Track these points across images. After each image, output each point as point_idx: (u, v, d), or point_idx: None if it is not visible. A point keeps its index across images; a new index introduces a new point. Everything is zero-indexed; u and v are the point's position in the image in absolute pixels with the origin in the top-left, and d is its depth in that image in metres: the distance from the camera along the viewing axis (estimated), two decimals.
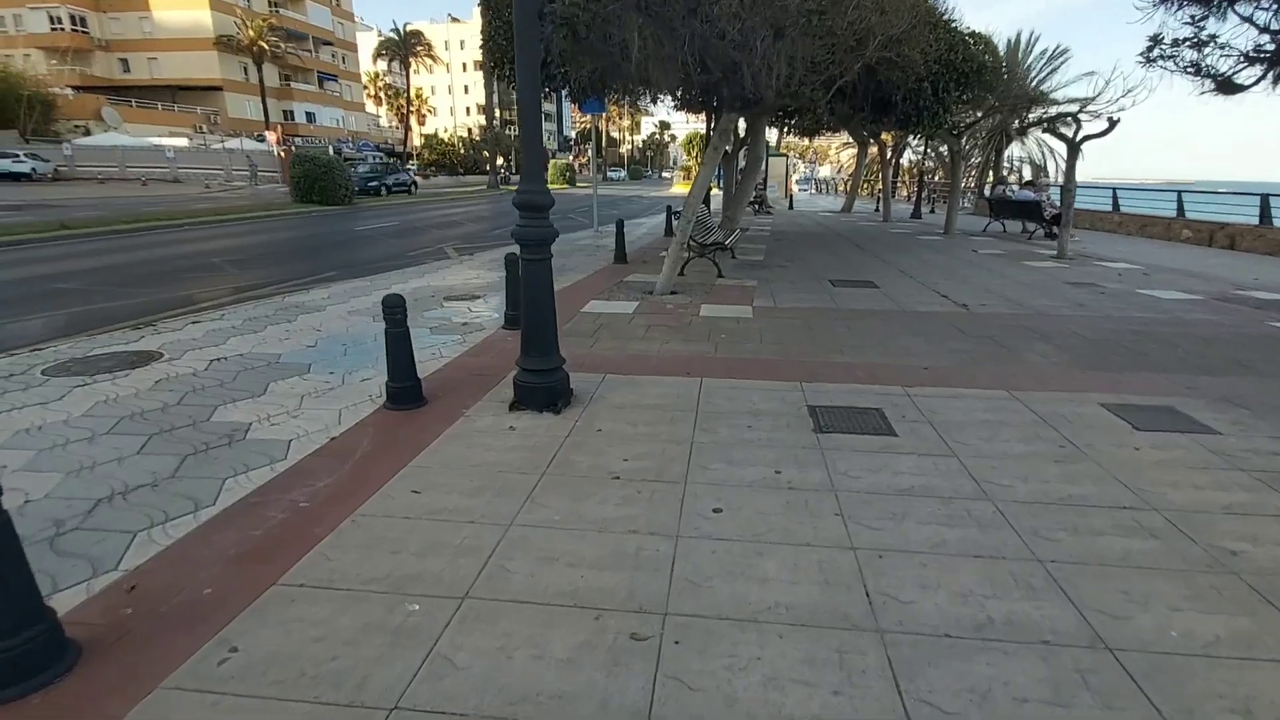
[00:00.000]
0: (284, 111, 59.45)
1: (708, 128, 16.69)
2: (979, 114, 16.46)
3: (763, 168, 26.24)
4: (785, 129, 24.78)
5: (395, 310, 4.17)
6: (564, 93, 13.30)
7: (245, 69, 55.93)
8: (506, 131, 72.52)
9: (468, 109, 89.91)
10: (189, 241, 13.98)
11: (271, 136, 39.92)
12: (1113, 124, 11.32)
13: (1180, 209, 17.21)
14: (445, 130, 74.55)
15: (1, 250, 11.96)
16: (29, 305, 7.67)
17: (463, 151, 58.40)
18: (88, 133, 44.19)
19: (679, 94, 9.63)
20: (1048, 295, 8.73)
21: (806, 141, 65.75)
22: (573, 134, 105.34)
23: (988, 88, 13.51)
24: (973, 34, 13.23)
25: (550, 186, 4.08)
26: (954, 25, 12.87)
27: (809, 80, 7.03)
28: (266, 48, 54.55)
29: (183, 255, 12.01)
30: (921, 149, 25.57)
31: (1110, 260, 12.43)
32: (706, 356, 5.63)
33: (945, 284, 9.51)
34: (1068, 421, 4.21)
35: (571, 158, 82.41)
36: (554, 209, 4.06)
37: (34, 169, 34.68)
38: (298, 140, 56.80)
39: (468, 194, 37.08)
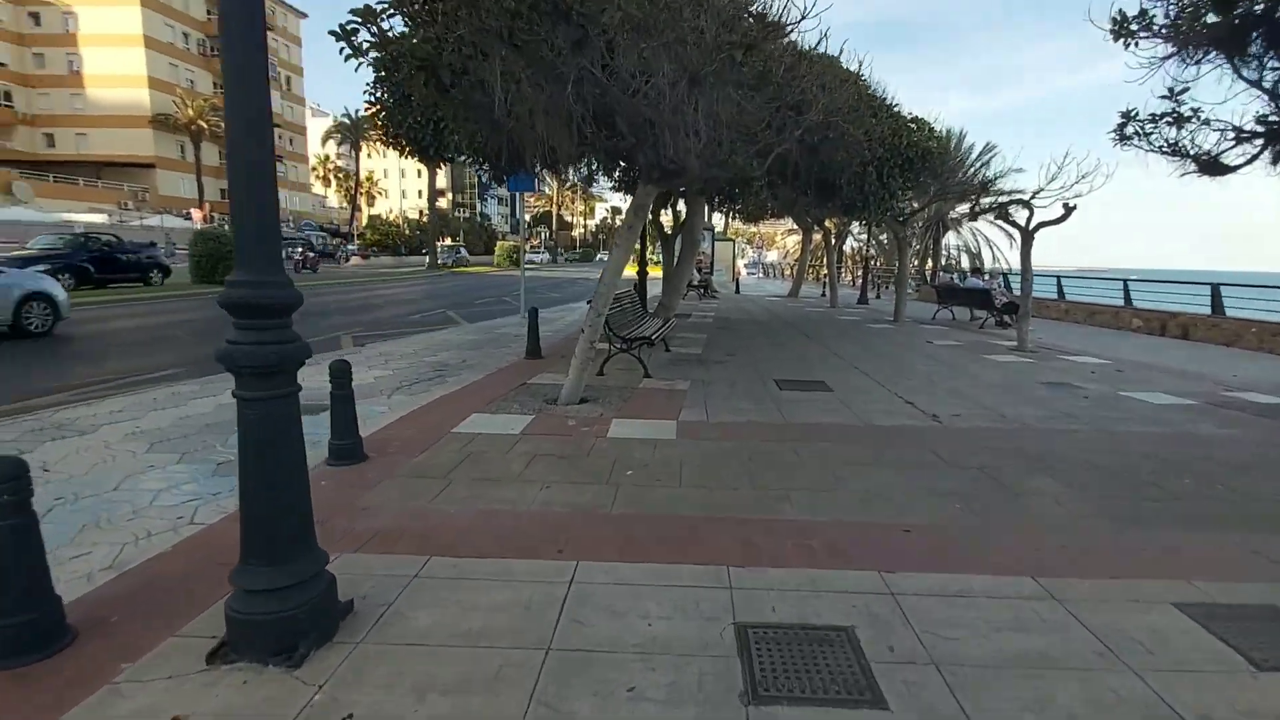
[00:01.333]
0: (221, 189, 57.66)
1: (656, 213, 15.71)
2: (917, 204, 15.94)
3: (706, 250, 25.58)
4: (730, 214, 24.32)
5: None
6: (470, 163, 12.08)
7: (182, 147, 54.53)
8: (456, 213, 72.38)
9: (420, 191, 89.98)
10: None
11: (197, 214, 37.95)
12: (1069, 210, 10.56)
13: (1128, 297, 16.80)
14: (391, 211, 73.83)
15: None
16: None
17: (407, 232, 57.33)
18: None
19: (579, 159, 8.28)
20: (1027, 401, 7.40)
21: (754, 227, 67.51)
22: (526, 217, 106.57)
23: (933, 174, 12.87)
24: (916, 119, 12.67)
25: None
26: (896, 110, 12.28)
27: (740, 148, 5.74)
28: (206, 127, 53.45)
29: None
30: (865, 235, 25.38)
31: (1073, 353, 11.42)
32: (598, 512, 3.91)
33: (906, 384, 8.15)
34: (1146, 651, 2.61)
35: (523, 239, 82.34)
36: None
37: None
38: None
39: (405, 274, 35.49)
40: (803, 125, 5.74)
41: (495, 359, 9.34)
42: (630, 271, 17.93)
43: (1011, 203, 11.44)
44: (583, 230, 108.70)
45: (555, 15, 3.82)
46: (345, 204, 74.01)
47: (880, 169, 11.71)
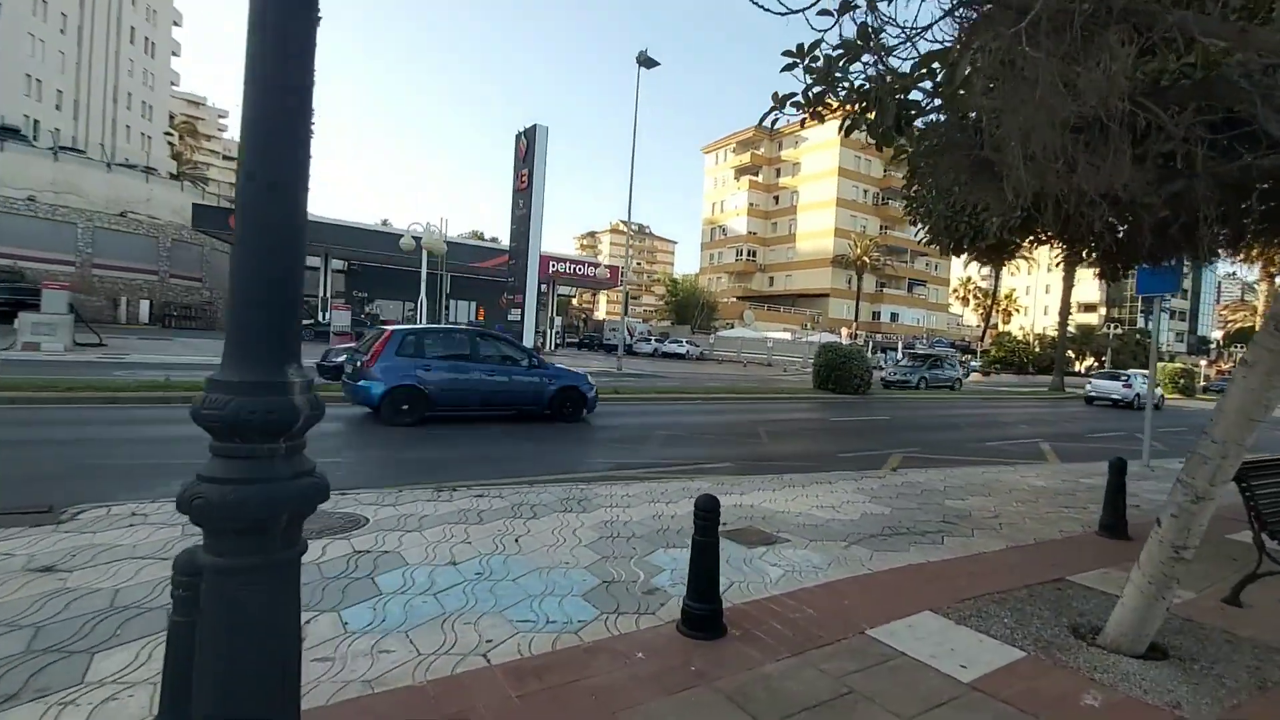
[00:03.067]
0: (873, 312, 63.70)
1: None
2: None
3: None
4: None
5: None
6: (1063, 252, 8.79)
7: (849, 280, 62.93)
8: (1104, 330, 58.73)
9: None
10: (666, 413, 14.83)
11: (845, 332, 42.54)
12: None
13: None
14: (1022, 328, 66.07)
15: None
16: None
17: (1037, 349, 49.75)
18: (731, 327, 56.88)
19: (1183, 225, 4.18)
20: None
21: None
22: (1216, 335, 77.74)
23: None
24: None
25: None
26: None
27: None
28: (869, 262, 60.33)
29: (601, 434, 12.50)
30: None
31: None
32: None
33: None
34: None
35: (1206, 363, 60.31)
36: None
37: (688, 351, 45.93)
38: (878, 336, 59.60)
39: (1021, 394, 30.41)
40: None
41: (1050, 523, 6.10)
42: None
43: None
44: None
45: None
46: (979, 322, 70.49)
47: None
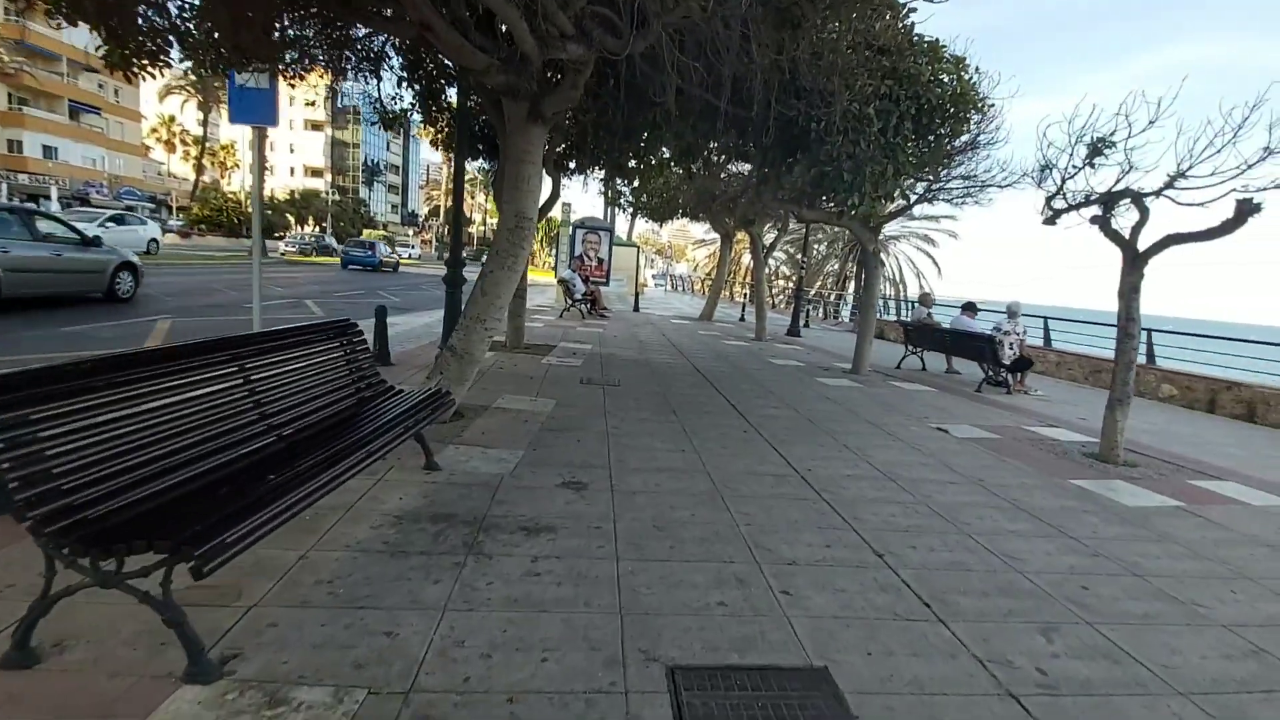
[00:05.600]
0: (9, 141, 45.88)
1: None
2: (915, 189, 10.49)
3: (601, 253, 19.70)
4: (635, 207, 18.62)
5: None
6: None
7: None
8: (324, 195, 62.56)
9: (291, 169, 79.14)
10: None
11: None
12: (1246, 212, 5.50)
13: (1151, 353, 12.44)
14: (229, 184, 63.44)
15: None
16: None
17: (249, 209, 48.12)
18: None
19: None
20: None
21: (660, 234, 62.31)
22: (423, 210, 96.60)
23: (957, 130, 7.59)
24: (934, 46, 7.35)
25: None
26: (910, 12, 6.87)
27: None
28: None
29: None
30: (804, 242, 20.20)
31: (1202, 473, 6.42)
32: None
33: (917, 560, 2.56)
34: None
35: (413, 234, 73.95)
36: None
37: None
38: (22, 177, 43.94)
39: (241, 258, 27.66)
40: None
41: None
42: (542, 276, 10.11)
43: (1115, 195, 6.24)
44: (484, 228, 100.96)
45: None
46: (192, 174, 62.51)
47: (888, 118, 6.28)
